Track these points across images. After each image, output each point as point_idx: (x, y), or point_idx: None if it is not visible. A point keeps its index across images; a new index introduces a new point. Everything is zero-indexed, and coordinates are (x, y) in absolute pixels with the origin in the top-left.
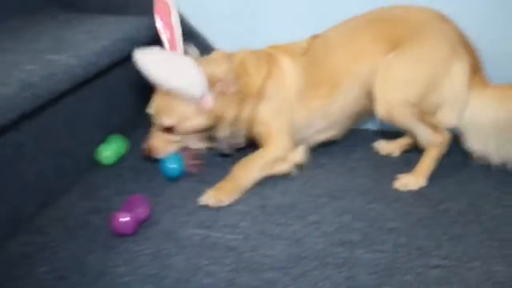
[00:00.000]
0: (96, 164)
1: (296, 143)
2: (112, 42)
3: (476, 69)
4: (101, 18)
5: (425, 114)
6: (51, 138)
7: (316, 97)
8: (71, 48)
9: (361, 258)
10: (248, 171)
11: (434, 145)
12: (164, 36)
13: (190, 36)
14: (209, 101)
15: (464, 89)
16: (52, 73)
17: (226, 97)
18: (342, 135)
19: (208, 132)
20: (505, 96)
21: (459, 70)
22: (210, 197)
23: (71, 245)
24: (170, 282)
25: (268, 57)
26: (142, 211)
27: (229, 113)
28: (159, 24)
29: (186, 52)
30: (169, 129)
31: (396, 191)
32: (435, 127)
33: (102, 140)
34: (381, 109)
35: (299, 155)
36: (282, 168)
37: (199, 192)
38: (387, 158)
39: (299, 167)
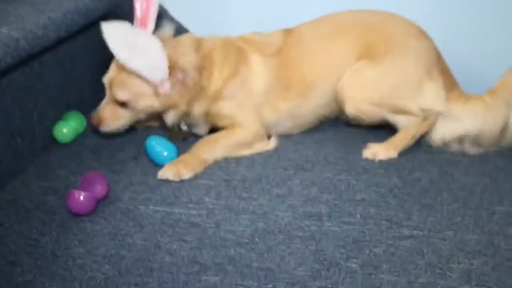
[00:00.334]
0: (53, 143)
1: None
2: (61, 14)
3: (452, 85)
4: None
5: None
6: None
7: (285, 99)
8: (14, 21)
9: (329, 231)
10: (212, 148)
11: (413, 124)
12: (138, 6)
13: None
14: (166, 87)
15: (439, 106)
16: None
17: (183, 88)
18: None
19: (158, 115)
20: (487, 106)
21: (432, 90)
22: (169, 171)
23: (23, 227)
24: (129, 262)
25: (238, 53)
26: (100, 189)
27: (182, 103)
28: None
29: (161, 28)
30: (121, 104)
31: (366, 161)
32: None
33: (59, 117)
34: (350, 107)
35: (270, 145)
36: (246, 153)
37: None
38: (357, 129)
39: None
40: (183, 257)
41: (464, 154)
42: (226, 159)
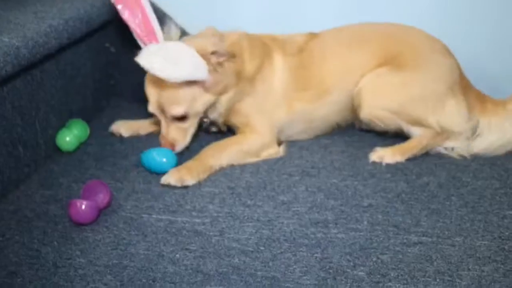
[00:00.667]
0: (55, 151)
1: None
2: (63, 22)
3: (482, 98)
4: None
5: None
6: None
7: (301, 100)
8: (15, 29)
9: (336, 238)
10: (218, 155)
11: (427, 135)
12: (133, 25)
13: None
14: (209, 77)
15: (459, 125)
16: None
17: (223, 68)
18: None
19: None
20: None
21: (453, 108)
22: (172, 176)
23: (24, 238)
24: (131, 272)
25: (263, 48)
26: (102, 198)
27: (231, 83)
28: (125, 15)
29: (168, 33)
30: (181, 118)
31: (373, 166)
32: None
33: (62, 125)
34: (365, 112)
35: (280, 153)
36: (253, 161)
37: None
38: (363, 134)
39: None
40: (186, 267)
41: (473, 158)
42: (230, 166)
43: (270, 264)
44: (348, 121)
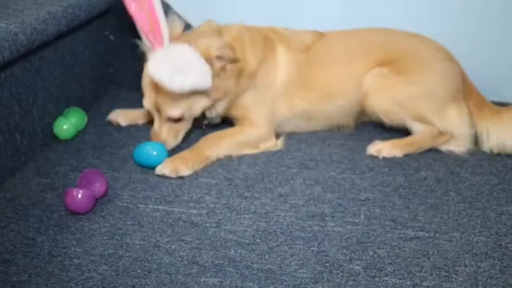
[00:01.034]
0: (52, 139)
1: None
2: (62, 8)
3: (482, 103)
4: None
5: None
6: None
7: (303, 98)
8: (13, 15)
9: (332, 231)
10: (215, 146)
11: (428, 133)
12: (138, 19)
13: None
14: (212, 84)
15: (460, 130)
16: None
17: (225, 73)
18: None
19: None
20: None
21: (455, 114)
22: (167, 166)
23: (20, 226)
24: (126, 263)
25: (265, 41)
26: (98, 187)
27: (231, 88)
28: (131, 7)
29: (171, 26)
30: (177, 119)
31: (371, 160)
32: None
33: (59, 113)
34: (371, 101)
35: (277, 146)
36: (250, 152)
37: None
38: (361, 128)
39: None
40: (182, 258)
41: (471, 153)
42: (228, 157)
43: (266, 256)
44: (350, 124)
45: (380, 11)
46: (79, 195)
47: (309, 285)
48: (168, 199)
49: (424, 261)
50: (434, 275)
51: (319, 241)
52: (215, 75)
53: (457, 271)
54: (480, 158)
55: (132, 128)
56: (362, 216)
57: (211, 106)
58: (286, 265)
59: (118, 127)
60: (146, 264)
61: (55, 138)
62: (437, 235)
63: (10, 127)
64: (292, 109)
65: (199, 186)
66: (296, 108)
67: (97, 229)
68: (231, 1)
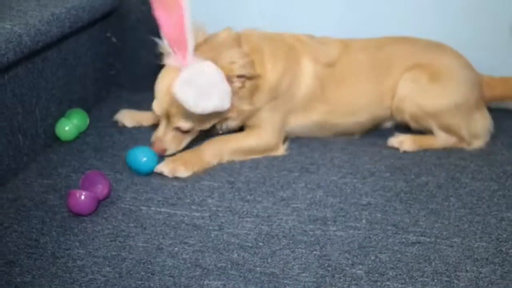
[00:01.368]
0: (55, 141)
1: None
2: (65, 10)
3: None
4: None
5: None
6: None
7: (322, 112)
8: (17, 16)
9: (334, 236)
10: (218, 150)
11: (451, 141)
12: (165, 25)
13: None
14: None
15: (485, 134)
16: None
17: (243, 91)
18: None
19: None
20: None
21: (481, 120)
22: (166, 166)
23: (23, 227)
24: (130, 265)
25: (288, 50)
26: (101, 189)
27: (245, 106)
28: (159, 12)
29: (195, 34)
30: (184, 131)
31: (372, 165)
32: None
33: (61, 115)
34: (409, 105)
35: (280, 151)
36: (255, 157)
37: None
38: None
39: None
40: (185, 260)
41: (472, 159)
42: (230, 160)
43: (269, 260)
44: (362, 133)
45: (380, 11)
46: (82, 197)
47: None
48: (170, 202)
49: (426, 266)
50: (435, 280)
51: (321, 245)
52: (233, 93)
53: (459, 276)
54: (480, 164)
55: (134, 130)
56: (364, 221)
57: (223, 121)
58: (289, 269)
59: (122, 128)
60: (149, 266)
61: (57, 139)
62: (438, 240)
63: (13, 128)
64: (308, 120)
65: (201, 189)
66: (312, 119)
67: (100, 231)
68: (231, 1)
